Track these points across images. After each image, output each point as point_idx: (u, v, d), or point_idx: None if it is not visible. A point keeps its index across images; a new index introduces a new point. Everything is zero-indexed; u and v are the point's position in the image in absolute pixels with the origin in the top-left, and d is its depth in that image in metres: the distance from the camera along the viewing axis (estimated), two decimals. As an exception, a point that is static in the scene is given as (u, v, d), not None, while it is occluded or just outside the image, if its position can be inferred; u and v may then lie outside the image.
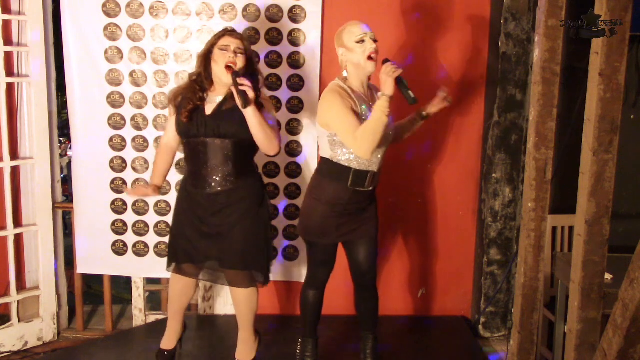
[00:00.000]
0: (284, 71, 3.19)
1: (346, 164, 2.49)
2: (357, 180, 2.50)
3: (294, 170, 3.29)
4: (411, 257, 3.51)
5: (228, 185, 2.54)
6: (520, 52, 3.18)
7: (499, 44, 3.19)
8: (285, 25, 3.15)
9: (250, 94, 2.36)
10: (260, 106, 2.46)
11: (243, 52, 2.50)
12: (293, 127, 3.26)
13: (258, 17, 3.14)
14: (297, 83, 3.21)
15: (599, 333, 1.91)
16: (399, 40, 3.28)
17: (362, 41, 2.42)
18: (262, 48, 3.17)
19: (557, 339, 2.70)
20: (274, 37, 3.16)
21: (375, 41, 2.44)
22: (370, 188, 2.55)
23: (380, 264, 3.48)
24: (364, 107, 2.49)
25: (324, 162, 2.57)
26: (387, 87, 2.33)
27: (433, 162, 3.42)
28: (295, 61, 3.19)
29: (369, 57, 2.42)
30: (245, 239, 2.58)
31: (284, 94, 3.21)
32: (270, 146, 2.48)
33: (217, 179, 2.54)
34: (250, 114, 2.39)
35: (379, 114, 2.33)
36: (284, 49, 3.17)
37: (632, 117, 3.11)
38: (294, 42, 3.17)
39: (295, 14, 3.15)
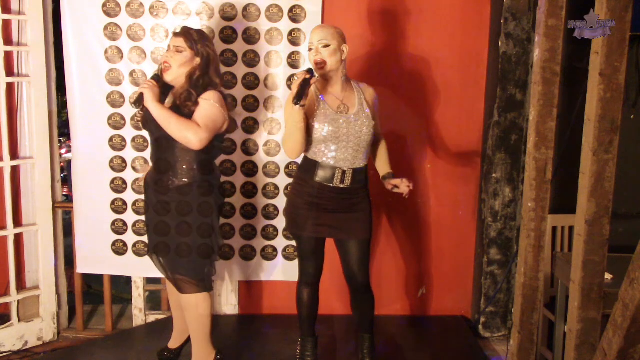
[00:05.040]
0: (284, 71, 3.19)
1: (312, 158, 2.56)
2: (323, 174, 2.55)
3: (294, 170, 3.29)
4: (411, 256, 3.51)
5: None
6: (520, 52, 3.18)
7: (499, 44, 3.19)
8: (285, 25, 3.15)
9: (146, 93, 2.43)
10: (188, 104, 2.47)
11: (182, 49, 2.51)
12: (293, 127, 3.25)
13: (258, 17, 3.14)
14: (297, 83, 3.21)
15: (599, 333, 1.92)
16: (398, 40, 3.28)
17: (311, 49, 2.52)
18: (262, 48, 3.17)
19: (557, 339, 2.70)
20: (273, 37, 3.16)
21: (327, 46, 2.47)
22: (342, 186, 2.56)
23: (380, 264, 3.48)
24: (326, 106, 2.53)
25: (302, 158, 2.65)
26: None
27: (433, 162, 3.42)
28: (295, 61, 3.19)
29: (315, 65, 2.51)
30: (163, 238, 2.59)
31: (283, 93, 3.21)
32: (180, 139, 2.43)
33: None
34: (151, 109, 2.45)
35: (289, 123, 2.46)
36: (284, 49, 3.17)
37: (632, 117, 3.11)
38: (294, 42, 3.17)
39: (295, 14, 3.15)
